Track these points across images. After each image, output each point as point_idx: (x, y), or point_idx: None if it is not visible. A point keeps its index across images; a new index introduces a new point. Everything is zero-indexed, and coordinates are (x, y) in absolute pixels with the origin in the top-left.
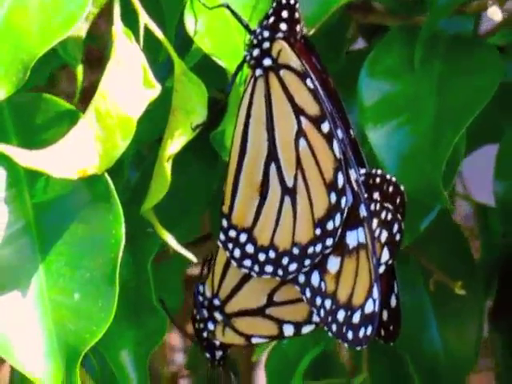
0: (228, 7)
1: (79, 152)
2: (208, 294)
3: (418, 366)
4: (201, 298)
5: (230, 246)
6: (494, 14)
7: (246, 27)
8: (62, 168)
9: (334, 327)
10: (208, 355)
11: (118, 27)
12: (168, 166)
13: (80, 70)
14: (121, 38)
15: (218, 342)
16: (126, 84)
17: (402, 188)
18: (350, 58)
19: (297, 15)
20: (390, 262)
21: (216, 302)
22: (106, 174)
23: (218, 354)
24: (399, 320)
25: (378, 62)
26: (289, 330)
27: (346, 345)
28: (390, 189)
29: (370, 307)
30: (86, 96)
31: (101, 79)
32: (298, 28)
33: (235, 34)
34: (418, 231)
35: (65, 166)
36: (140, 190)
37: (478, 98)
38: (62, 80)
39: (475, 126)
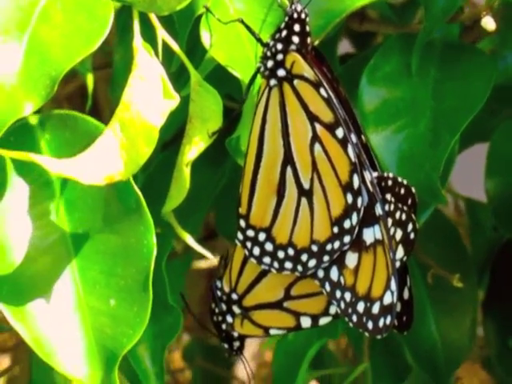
0: (242, 22)
1: (106, 160)
2: (226, 288)
3: (417, 356)
4: (219, 293)
5: (249, 244)
6: (488, 23)
7: (259, 40)
8: (91, 175)
9: (354, 318)
10: (226, 346)
11: (139, 42)
12: (187, 171)
13: (90, 78)
14: (141, 52)
15: (236, 334)
16: (148, 95)
17: (413, 190)
18: (346, 66)
19: (307, 28)
20: (405, 258)
21: (234, 296)
22: (136, 187)
23: (236, 344)
24: (412, 311)
25: (378, 69)
26: (306, 322)
27: (366, 334)
28: (402, 191)
29: (388, 299)
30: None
31: (124, 91)
32: (308, 40)
33: (247, 46)
34: None
35: (93, 174)
36: (147, 192)
37: (473, 101)
38: None
39: (467, 126)
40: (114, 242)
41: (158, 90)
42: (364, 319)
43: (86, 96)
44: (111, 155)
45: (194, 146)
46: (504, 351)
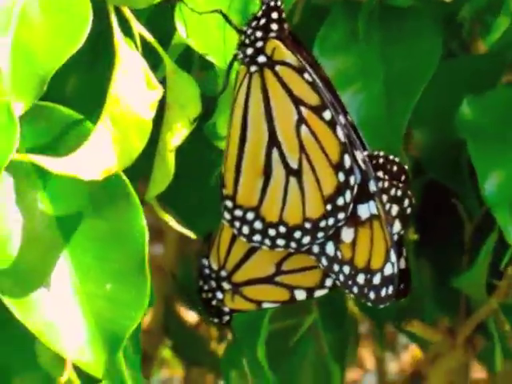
0: (221, 12)
1: (100, 154)
2: (214, 266)
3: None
4: (207, 271)
5: (237, 223)
6: None
7: (236, 28)
8: (89, 171)
9: (355, 289)
10: (216, 320)
11: (119, 37)
12: (172, 157)
13: None
14: (123, 46)
15: (226, 309)
16: (134, 88)
17: (406, 166)
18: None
19: (283, 15)
20: (402, 232)
21: (223, 273)
22: (123, 175)
23: (225, 318)
24: (409, 279)
25: (327, 38)
26: (300, 295)
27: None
28: (395, 168)
29: (389, 270)
30: None
31: (110, 85)
32: (285, 26)
33: (216, 34)
34: None
35: (91, 169)
36: None
37: (425, 62)
38: None
39: None
40: (102, 228)
41: (142, 83)
42: (366, 290)
43: None
44: (105, 149)
45: (177, 133)
46: (441, 290)
